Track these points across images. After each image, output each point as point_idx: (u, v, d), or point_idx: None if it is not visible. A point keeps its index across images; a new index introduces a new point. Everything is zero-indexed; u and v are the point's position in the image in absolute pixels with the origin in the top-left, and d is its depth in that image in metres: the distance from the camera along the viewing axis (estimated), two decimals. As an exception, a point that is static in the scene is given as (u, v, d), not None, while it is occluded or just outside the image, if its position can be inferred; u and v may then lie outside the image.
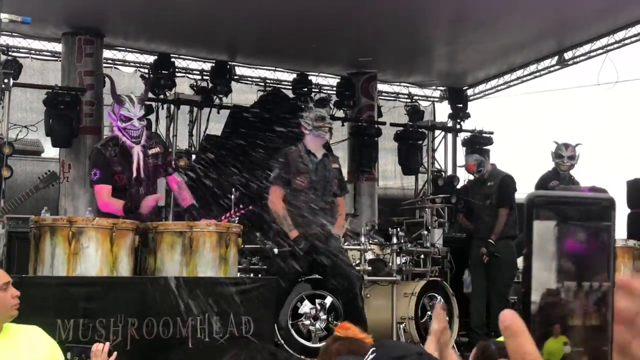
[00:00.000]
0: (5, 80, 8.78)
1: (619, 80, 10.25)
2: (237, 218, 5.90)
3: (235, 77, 11.18)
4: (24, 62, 9.94)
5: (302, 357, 5.91)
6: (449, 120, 12.61)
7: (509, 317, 0.63)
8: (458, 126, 12.52)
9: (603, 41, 10.09)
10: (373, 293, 6.78)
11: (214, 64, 10.83)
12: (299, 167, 5.99)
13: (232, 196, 6.76)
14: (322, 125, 6.00)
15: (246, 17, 8.83)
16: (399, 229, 7.32)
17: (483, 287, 7.64)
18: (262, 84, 11.65)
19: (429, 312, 6.90)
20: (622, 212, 9.00)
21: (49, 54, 10.56)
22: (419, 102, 12.71)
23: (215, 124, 10.84)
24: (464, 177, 8.80)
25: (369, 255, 6.84)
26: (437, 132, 12.52)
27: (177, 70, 10.62)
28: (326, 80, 11.89)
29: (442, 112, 13.09)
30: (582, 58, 10.61)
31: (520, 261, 9.01)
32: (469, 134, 12.15)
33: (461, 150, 12.30)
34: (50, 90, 9.29)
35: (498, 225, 7.58)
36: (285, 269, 5.85)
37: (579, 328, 0.64)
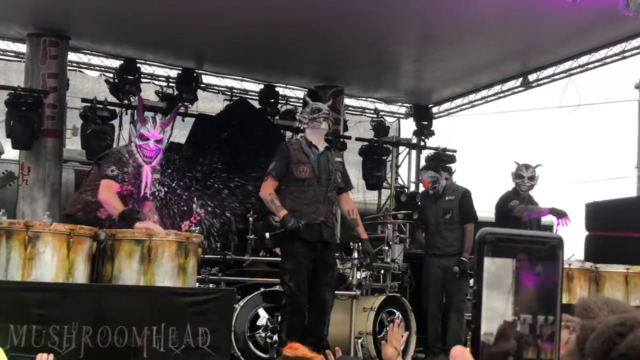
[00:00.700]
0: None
1: (581, 103, 10.43)
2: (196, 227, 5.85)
3: (201, 85, 11.13)
4: (-14, 62, 9.79)
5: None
6: (414, 136, 12.69)
7: (459, 353, 0.63)
8: (422, 143, 12.60)
9: (567, 65, 10.25)
10: (333, 307, 6.77)
11: (180, 71, 10.77)
12: (300, 158, 5.98)
13: (194, 205, 6.72)
14: (317, 117, 6.03)
15: (215, 26, 8.80)
16: (360, 244, 7.31)
17: (439, 304, 7.66)
18: (229, 93, 11.61)
19: (386, 328, 6.91)
20: (580, 235, 9.13)
21: (13, 54, 10.42)
22: (385, 117, 12.77)
23: (180, 131, 10.76)
24: (420, 197, 8.79)
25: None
26: (401, 148, 12.59)
27: (142, 76, 10.53)
28: (293, 92, 11.89)
29: (407, 128, 13.19)
30: (545, 80, 10.77)
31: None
32: (432, 151, 12.23)
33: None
34: (13, 91, 9.15)
35: (468, 242, 7.49)
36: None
37: None
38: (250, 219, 6.91)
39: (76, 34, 9.53)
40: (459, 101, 12.40)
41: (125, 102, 10.11)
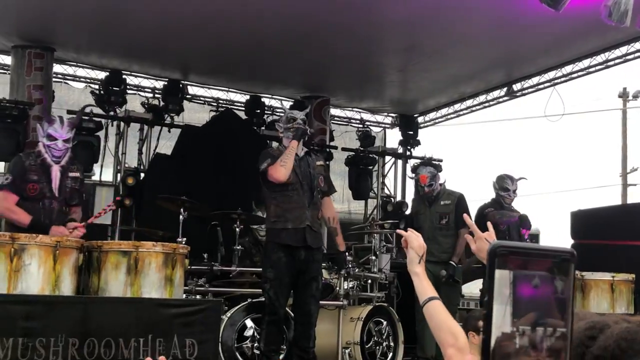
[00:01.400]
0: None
1: (565, 112, 10.50)
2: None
3: (187, 96, 11.13)
4: (-29, 74, 9.75)
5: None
6: (400, 146, 12.74)
7: None
8: (408, 152, 12.65)
9: (551, 74, 10.33)
10: (319, 317, 6.77)
11: (166, 82, 10.76)
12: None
13: (180, 216, 6.70)
14: (291, 127, 6.03)
15: (200, 36, 8.82)
16: (346, 254, 7.32)
17: None
18: (215, 104, 11.61)
19: (374, 337, 6.92)
20: (565, 243, 9.18)
21: (-2, 66, 10.38)
22: (371, 127, 12.81)
23: (167, 142, 10.75)
24: (411, 204, 8.67)
25: (316, 279, 6.82)
26: (387, 157, 12.62)
27: (128, 87, 10.51)
28: (279, 103, 11.91)
29: (393, 138, 13.23)
30: (530, 90, 10.84)
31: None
32: (418, 160, 12.26)
33: (410, 177, 12.42)
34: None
35: (459, 247, 7.37)
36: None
37: None
38: (237, 229, 6.90)
39: (61, 45, 9.51)
40: (444, 111, 12.46)
41: (111, 113, 10.09)
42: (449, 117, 12.57)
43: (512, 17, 8.02)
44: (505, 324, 0.65)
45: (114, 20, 8.40)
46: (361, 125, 12.70)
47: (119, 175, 10.09)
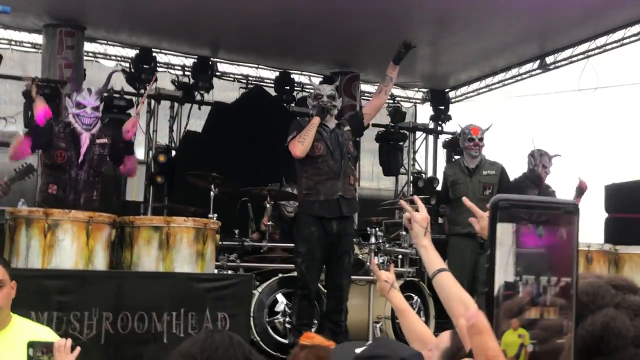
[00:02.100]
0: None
1: (599, 86, 10.33)
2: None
3: (217, 73, 11.14)
4: (3, 53, 9.81)
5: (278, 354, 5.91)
6: (431, 122, 12.65)
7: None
8: (439, 128, 12.56)
9: (584, 46, 10.16)
10: (350, 292, 6.78)
11: (196, 60, 10.78)
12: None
13: (211, 193, 6.74)
14: (316, 104, 6.04)
15: (229, 13, 8.80)
16: (377, 229, 7.31)
17: (468, 287, 7.54)
18: (244, 81, 11.61)
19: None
20: (600, 217, 9.07)
21: (30, 45, 10.47)
22: (401, 103, 12.73)
23: (197, 120, 10.80)
24: (446, 173, 8.15)
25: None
26: (418, 133, 12.54)
27: (158, 65, 10.56)
28: (308, 79, 11.87)
29: (424, 113, 13.13)
30: (563, 63, 10.68)
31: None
32: (450, 136, 12.18)
33: (442, 153, 12.35)
34: (30, 82, 9.20)
35: None
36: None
37: (535, 321, 0.65)
38: (268, 205, 6.92)
39: (91, 23, 9.57)
40: (475, 85, 12.33)
41: (142, 91, 10.15)
42: (480, 91, 12.43)
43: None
44: (508, 273, 0.65)
45: (143, -3, 8.42)
46: (392, 101, 12.61)
47: (150, 152, 10.16)
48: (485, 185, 7.10)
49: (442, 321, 7.58)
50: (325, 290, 6.21)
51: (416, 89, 12.88)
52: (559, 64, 10.75)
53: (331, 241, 5.90)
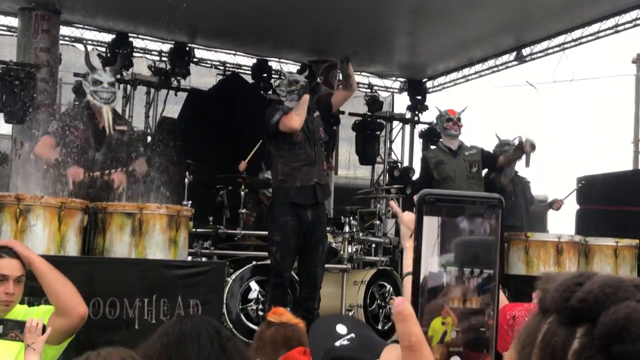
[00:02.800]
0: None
1: (574, 78, 10.43)
2: None
3: (194, 59, 11.10)
4: (-22, 36, 9.76)
5: (249, 340, 5.92)
6: (407, 111, 12.70)
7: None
8: (416, 118, 12.62)
9: (560, 39, 10.24)
10: (324, 281, 6.82)
11: (173, 45, 10.73)
12: None
13: (186, 180, 6.75)
14: (294, 89, 6.04)
15: (207, -1, 8.77)
16: (351, 218, 7.35)
17: None
18: (222, 67, 11.58)
19: (378, 301, 6.97)
20: (571, 208, 9.19)
21: (5, 28, 10.38)
22: (379, 92, 12.77)
23: (173, 106, 10.76)
24: (427, 156, 8.10)
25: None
26: (395, 123, 12.59)
27: (135, 50, 10.50)
28: (286, 67, 11.86)
29: (401, 103, 13.20)
30: (539, 55, 10.76)
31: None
32: (426, 126, 12.24)
33: (418, 142, 12.41)
34: (5, 66, 9.13)
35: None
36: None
37: (458, 310, 0.69)
38: (242, 193, 6.93)
39: (67, 7, 9.48)
40: (453, 75, 12.39)
41: (118, 76, 10.07)
42: (457, 82, 12.50)
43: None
44: (433, 264, 0.68)
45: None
46: (369, 90, 12.65)
47: (126, 138, 10.11)
48: (471, 162, 7.08)
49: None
50: (298, 278, 6.24)
51: (394, 78, 12.92)
52: (535, 55, 10.83)
53: (305, 230, 5.93)
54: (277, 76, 11.66)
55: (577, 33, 10.00)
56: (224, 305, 5.95)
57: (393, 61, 11.80)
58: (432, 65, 12.05)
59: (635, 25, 9.45)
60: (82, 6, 9.58)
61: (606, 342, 0.75)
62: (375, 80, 12.77)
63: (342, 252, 7.00)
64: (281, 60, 11.67)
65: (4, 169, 9.81)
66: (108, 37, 10.44)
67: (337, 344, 1.82)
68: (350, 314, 6.77)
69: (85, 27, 10.50)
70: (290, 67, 11.80)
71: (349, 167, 12.98)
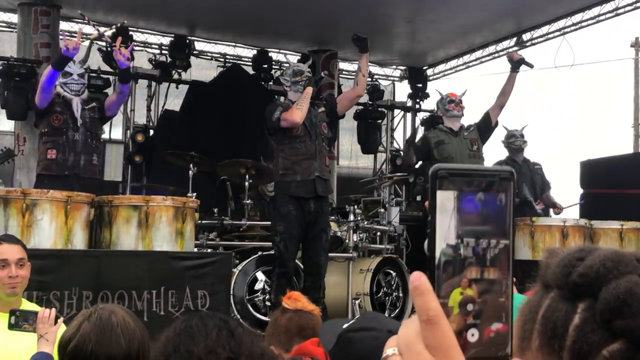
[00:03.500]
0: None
1: (575, 63, 10.41)
2: None
3: (194, 52, 11.09)
4: (-23, 33, 9.75)
5: (258, 330, 5.94)
6: (409, 99, 12.69)
7: (417, 278, 0.68)
8: (417, 106, 12.60)
9: (560, 23, 10.22)
10: (329, 269, 6.84)
11: (173, 38, 10.72)
12: None
13: (190, 172, 6.75)
14: (299, 80, 6.04)
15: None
16: (356, 207, 7.36)
17: None
18: (222, 59, 11.57)
19: (384, 288, 6.99)
20: (575, 192, 9.19)
21: (5, 24, 10.36)
22: (379, 81, 12.75)
23: (174, 99, 10.76)
24: (428, 136, 8.16)
25: (326, 232, 6.87)
26: (396, 111, 12.58)
27: (135, 43, 10.47)
28: (286, 58, 11.85)
29: (402, 91, 13.17)
30: (539, 40, 10.74)
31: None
32: (427, 114, 12.23)
33: (420, 130, 12.41)
34: (6, 62, 9.13)
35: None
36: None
37: (477, 280, 0.70)
38: (246, 183, 6.94)
39: (67, 2, 9.47)
40: (453, 62, 12.37)
41: (118, 70, 10.07)
42: (458, 69, 12.48)
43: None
44: (449, 237, 0.70)
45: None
46: (370, 79, 12.62)
47: (128, 132, 10.13)
48: (472, 140, 7.20)
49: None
50: (303, 267, 6.25)
51: (394, 66, 12.89)
52: (536, 41, 10.81)
53: (308, 220, 5.95)
54: (277, 67, 11.65)
55: (577, 17, 9.97)
56: (231, 296, 5.97)
57: (393, 49, 11.77)
58: (432, 53, 12.03)
59: (635, 8, 9.43)
60: (82, 1, 9.58)
61: (607, 317, 0.76)
62: (376, 69, 12.75)
63: (347, 240, 7.01)
64: (281, 50, 11.66)
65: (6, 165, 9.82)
66: (108, 32, 10.39)
67: (345, 326, 1.91)
68: (356, 302, 6.79)
69: (86, 22, 10.46)
70: (291, 58, 11.78)
71: (350, 157, 12.98)
